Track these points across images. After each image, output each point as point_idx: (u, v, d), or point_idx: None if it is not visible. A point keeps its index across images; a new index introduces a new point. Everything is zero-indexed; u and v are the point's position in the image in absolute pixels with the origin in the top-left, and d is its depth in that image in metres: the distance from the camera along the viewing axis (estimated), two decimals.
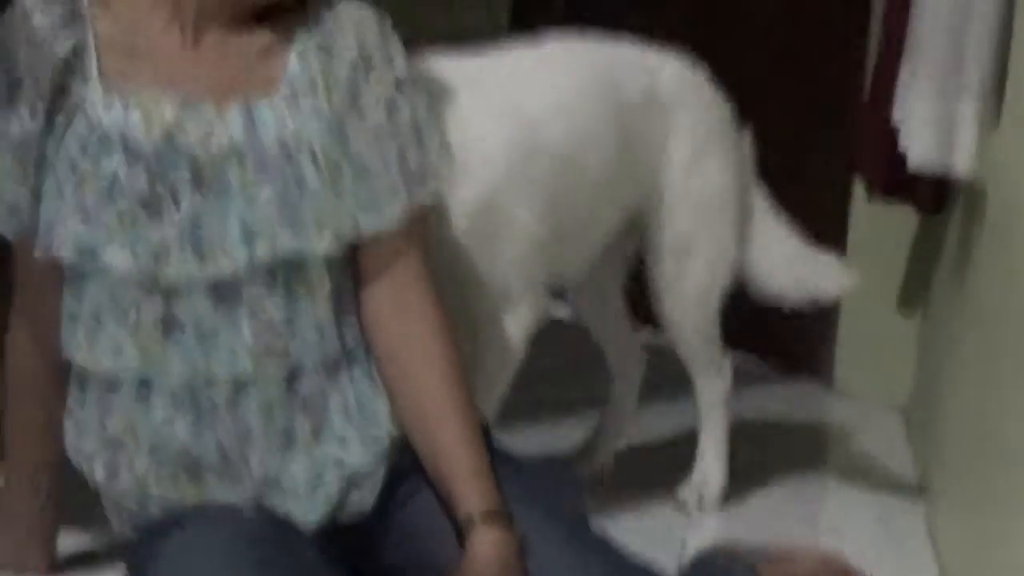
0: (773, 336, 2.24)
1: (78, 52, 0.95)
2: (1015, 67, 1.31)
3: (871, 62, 1.89)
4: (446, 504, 0.98)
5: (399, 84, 1.01)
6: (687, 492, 1.52)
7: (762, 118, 1.68)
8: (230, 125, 0.95)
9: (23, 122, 0.96)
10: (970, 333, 1.47)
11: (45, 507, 1.15)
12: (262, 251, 0.95)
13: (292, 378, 0.98)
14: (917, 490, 1.76)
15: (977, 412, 1.33)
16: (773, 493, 1.68)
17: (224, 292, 0.96)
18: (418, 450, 1.01)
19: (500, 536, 0.93)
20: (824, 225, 2.07)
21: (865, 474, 1.84)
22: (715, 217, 1.46)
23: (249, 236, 0.95)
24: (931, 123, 1.41)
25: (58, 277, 1.00)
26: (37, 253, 0.98)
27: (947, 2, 1.41)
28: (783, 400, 2.22)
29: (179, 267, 0.94)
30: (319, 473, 0.99)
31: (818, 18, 2.20)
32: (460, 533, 0.96)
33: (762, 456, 1.82)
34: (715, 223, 1.46)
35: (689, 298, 1.48)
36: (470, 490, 0.96)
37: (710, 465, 1.54)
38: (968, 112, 1.37)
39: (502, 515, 0.95)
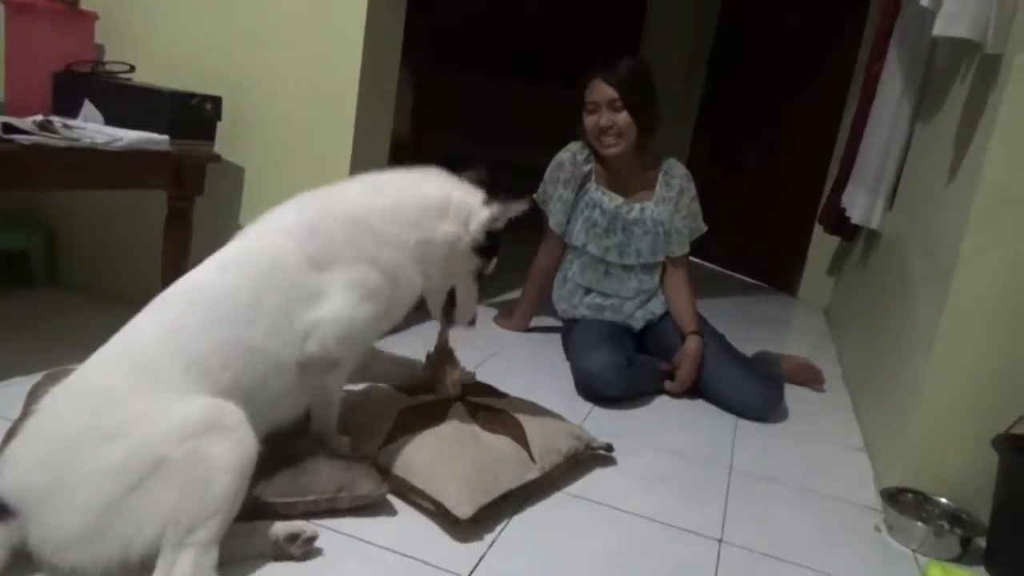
0: (760, 263, 4.27)
1: (588, 174, 2.45)
2: (902, 186, 2.89)
3: (832, 174, 3.66)
4: (678, 328, 2.41)
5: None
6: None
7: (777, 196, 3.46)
8: (635, 210, 2.43)
9: (566, 195, 2.46)
10: (858, 285, 3.16)
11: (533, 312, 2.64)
12: (643, 259, 2.45)
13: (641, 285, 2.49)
14: (840, 375, 2.77)
15: (865, 323, 2.94)
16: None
17: (626, 268, 2.45)
18: (670, 308, 2.48)
19: (698, 340, 2.35)
20: (798, 240, 3.90)
21: (811, 354, 2.77)
22: None
23: (639, 254, 2.44)
24: (863, 204, 3.07)
25: (564, 244, 2.50)
26: (563, 238, 2.49)
27: (876, 150, 3.03)
28: (763, 304, 3.91)
29: (612, 257, 2.45)
30: (644, 310, 2.48)
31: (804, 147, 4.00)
32: (682, 339, 2.38)
33: (746, 339, 2.73)
34: None
35: None
36: (688, 324, 2.38)
37: None
38: (880, 202, 3.00)
39: (701, 333, 2.37)
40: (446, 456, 1.44)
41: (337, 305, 1.29)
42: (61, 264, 2.53)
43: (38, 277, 2.49)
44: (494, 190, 1.54)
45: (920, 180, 2.49)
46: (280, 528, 1.20)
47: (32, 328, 2.14)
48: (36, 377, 1.66)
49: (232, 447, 1.08)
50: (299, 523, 1.23)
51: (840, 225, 3.41)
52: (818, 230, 3.83)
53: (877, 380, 2.25)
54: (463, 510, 1.33)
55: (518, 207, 1.51)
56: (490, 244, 1.51)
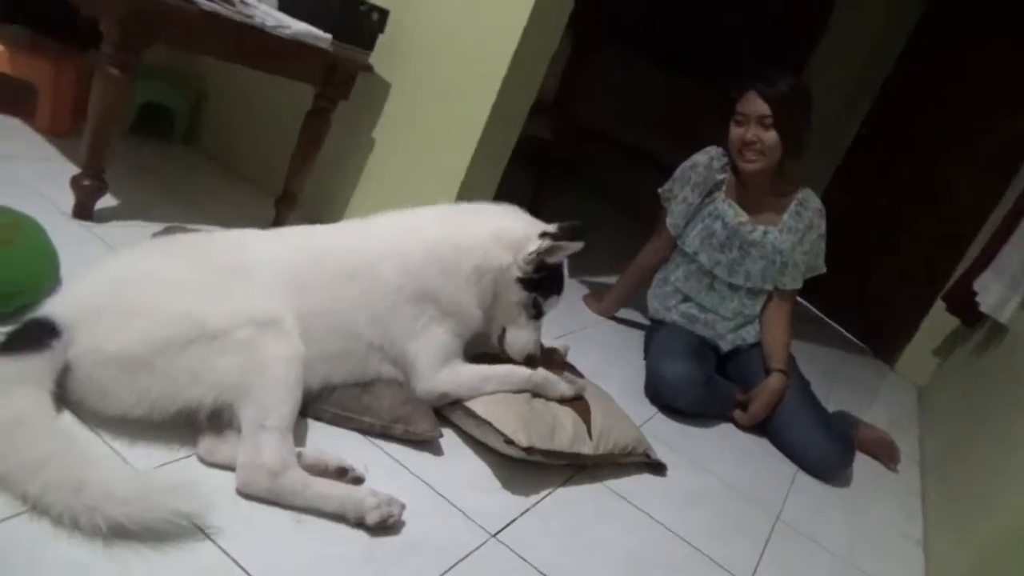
0: (864, 321, 4.08)
1: (720, 183, 2.37)
2: None
3: (971, 253, 3.44)
4: (764, 361, 2.32)
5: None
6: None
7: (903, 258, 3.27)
8: (757, 231, 2.35)
9: (691, 198, 2.39)
10: (965, 374, 2.98)
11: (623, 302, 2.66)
12: (751, 283, 2.37)
13: (742, 307, 2.40)
14: (918, 460, 2.61)
15: (959, 408, 2.78)
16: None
17: (732, 287, 2.38)
18: (763, 339, 2.38)
19: (782, 379, 2.26)
20: (912, 310, 3.69)
21: (891, 429, 2.61)
22: None
23: (748, 276, 2.35)
24: (997, 294, 2.88)
25: (673, 245, 2.44)
26: (675, 239, 2.43)
27: None
28: (855, 364, 3.72)
29: (720, 272, 2.37)
30: (736, 335, 2.41)
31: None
32: (766, 373, 2.30)
33: (828, 395, 2.73)
34: None
35: None
36: (777, 359, 2.30)
37: None
38: (1017, 298, 2.82)
39: (787, 373, 2.28)
40: (511, 402, 1.48)
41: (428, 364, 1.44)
42: (202, 129, 2.65)
43: (177, 136, 2.62)
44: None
45: None
46: (332, 459, 1.22)
47: (160, 180, 2.26)
48: (153, 225, 1.76)
49: (285, 345, 1.18)
50: (348, 460, 1.24)
51: (966, 308, 3.21)
52: (938, 305, 3.62)
53: (957, 477, 2.12)
54: (519, 438, 1.38)
55: (573, 245, 1.50)
56: (542, 278, 1.50)
